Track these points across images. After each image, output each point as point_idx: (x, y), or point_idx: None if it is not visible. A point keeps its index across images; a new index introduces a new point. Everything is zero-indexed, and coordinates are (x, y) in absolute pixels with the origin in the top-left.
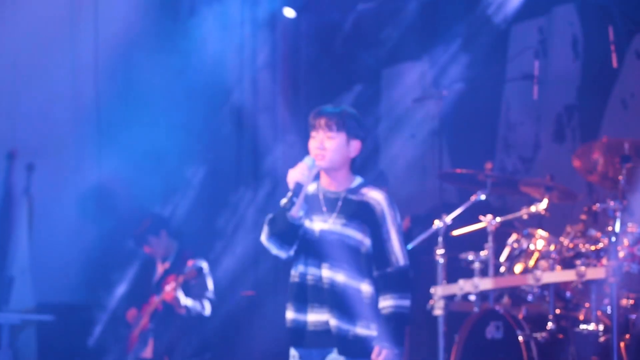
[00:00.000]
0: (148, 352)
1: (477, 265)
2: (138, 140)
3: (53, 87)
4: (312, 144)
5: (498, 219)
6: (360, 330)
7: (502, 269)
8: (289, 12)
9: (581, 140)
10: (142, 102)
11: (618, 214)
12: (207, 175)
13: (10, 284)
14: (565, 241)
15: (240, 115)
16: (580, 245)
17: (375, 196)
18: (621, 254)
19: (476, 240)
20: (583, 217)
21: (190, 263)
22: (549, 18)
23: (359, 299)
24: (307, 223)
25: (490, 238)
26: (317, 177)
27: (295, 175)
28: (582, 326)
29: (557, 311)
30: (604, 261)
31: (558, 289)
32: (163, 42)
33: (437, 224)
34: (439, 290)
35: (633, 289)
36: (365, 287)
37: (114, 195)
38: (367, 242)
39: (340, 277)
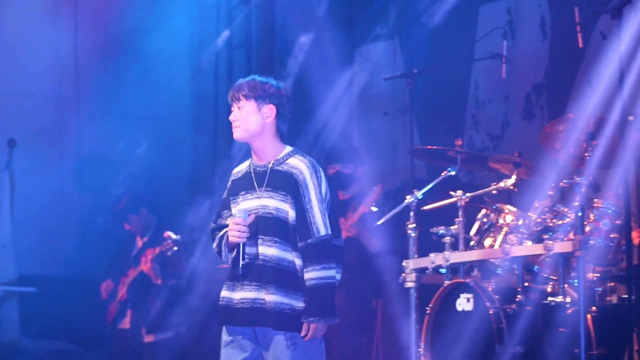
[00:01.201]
0: (126, 322)
1: (447, 239)
2: (117, 117)
3: (34, 63)
4: (230, 117)
5: (468, 194)
6: (297, 303)
7: (472, 243)
8: None
9: (549, 118)
10: (121, 79)
11: (584, 189)
12: (184, 153)
13: None
14: (533, 216)
15: (216, 94)
16: (548, 220)
17: (298, 165)
18: (587, 229)
19: (447, 215)
20: (550, 192)
21: (166, 234)
22: None
23: (293, 272)
24: (241, 203)
25: (460, 213)
26: (249, 154)
27: (233, 236)
28: (550, 298)
29: (526, 284)
30: (571, 235)
31: (526, 262)
32: (142, 21)
33: (409, 199)
34: (410, 264)
35: (599, 263)
36: (298, 260)
37: (94, 171)
38: (292, 213)
39: (272, 250)
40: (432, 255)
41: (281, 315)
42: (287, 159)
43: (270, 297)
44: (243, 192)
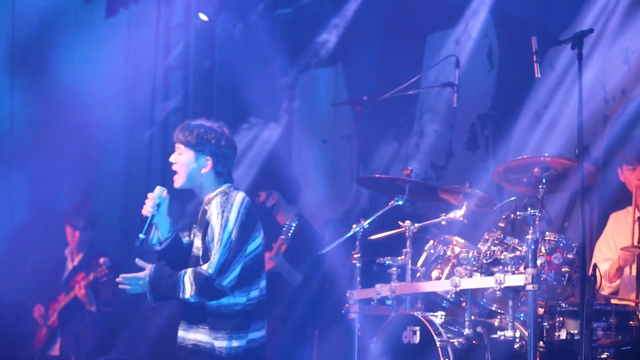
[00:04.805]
0: (56, 349)
1: (394, 269)
2: (51, 136)
3: None
4: (170, 158)
5: (417, 225)
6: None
7: (419, 275)
8: (203, 17)
9: (494, 149)
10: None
11: (537, 222)
12: (122, 173)
13: None
14: (482, 248)
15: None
16: (498, 253)
17: (212, 206)
18: (539, 262)
19: (393, 245)
20: (501, 224)
21: (101, 260)
22: (464, 28)
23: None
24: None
25: (408, 243)
26: None
27: (143, 209)
28: (499, 333)
29: (473, 317)
30: (522, 269)
31: (474, 295)
32: (80, 38)
33: (355, 228)
34: (355, 294)
35: (549, 297)
36: None
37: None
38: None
39: None
40: (377, 286)
41: None
42: (213, 199)
43: None
44: (194, 227)
